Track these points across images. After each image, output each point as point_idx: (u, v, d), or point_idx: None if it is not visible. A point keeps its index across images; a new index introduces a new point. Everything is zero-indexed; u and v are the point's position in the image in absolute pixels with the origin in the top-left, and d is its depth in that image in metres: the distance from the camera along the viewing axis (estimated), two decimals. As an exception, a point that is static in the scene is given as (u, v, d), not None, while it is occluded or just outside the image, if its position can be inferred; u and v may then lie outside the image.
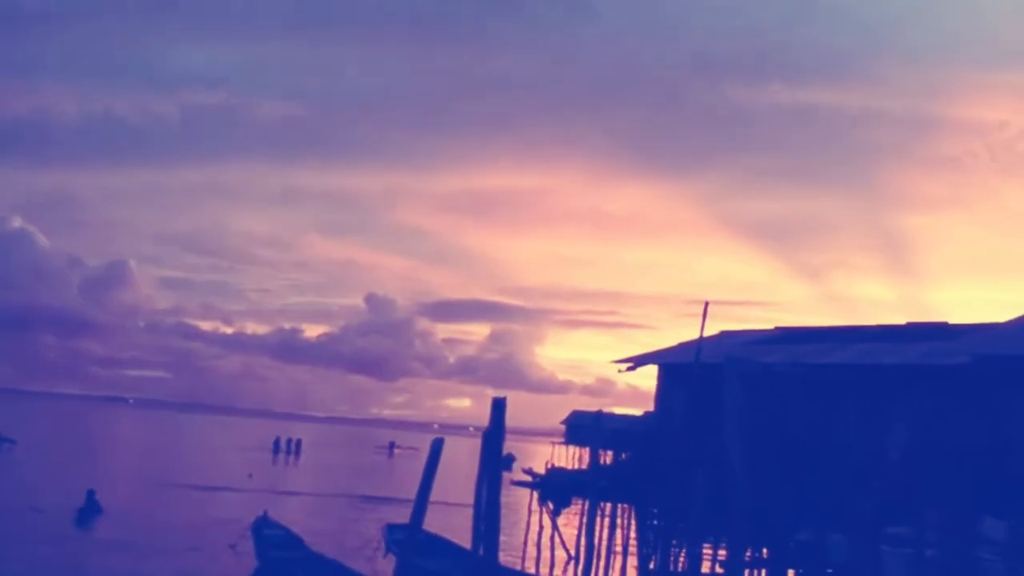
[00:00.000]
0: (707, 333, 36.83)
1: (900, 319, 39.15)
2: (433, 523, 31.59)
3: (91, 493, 43.74)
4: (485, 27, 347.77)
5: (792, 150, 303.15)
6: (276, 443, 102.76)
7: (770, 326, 45.16)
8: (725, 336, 43.13)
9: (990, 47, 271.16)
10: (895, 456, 29.54)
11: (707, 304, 35.19)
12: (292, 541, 35.02)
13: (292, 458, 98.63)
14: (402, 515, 31.67)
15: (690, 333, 39.14)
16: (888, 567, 23.03)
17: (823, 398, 32.46)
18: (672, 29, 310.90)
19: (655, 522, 35.05)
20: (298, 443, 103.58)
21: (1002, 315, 32.28)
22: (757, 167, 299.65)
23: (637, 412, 49.55)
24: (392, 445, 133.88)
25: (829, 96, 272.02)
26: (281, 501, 51.59)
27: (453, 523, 41.48)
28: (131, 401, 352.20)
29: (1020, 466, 25.15)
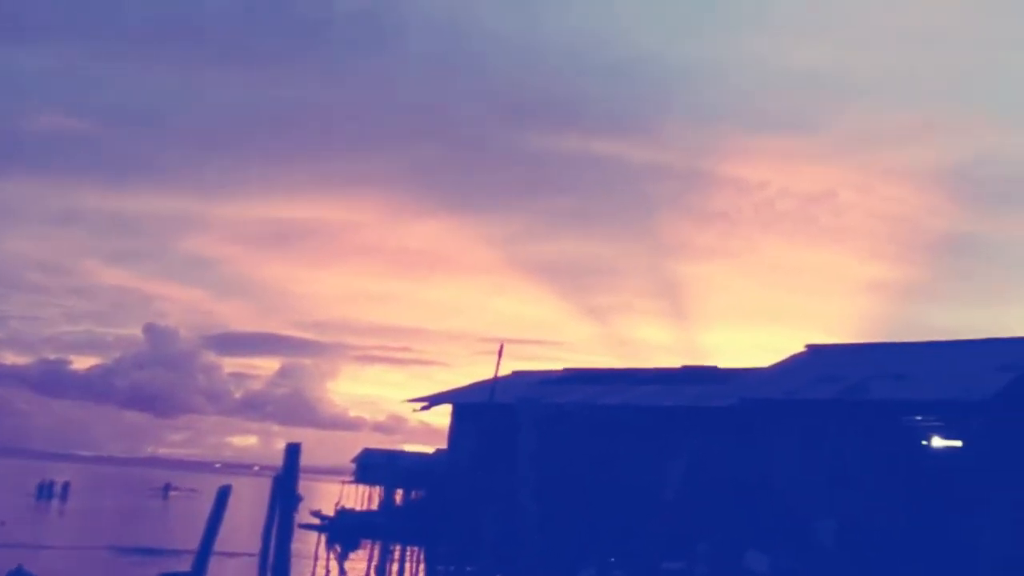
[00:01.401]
0: (500, 372, 37.71)
1: (675, 361, 42.00)
2: (212, 574, 29.96)
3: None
4: (287, 53, 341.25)
5: (582, 197, 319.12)
6: (40, 487, 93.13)
7: (559, 366, 46.98)
8: (517, 376, 44.29)
9: (754, 113, 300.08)
10: (671, 493, 31.44)
11: (502, 345, 36.11)
12: None
13: (59, 503, 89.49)
14: (179, 567, 29.68)
15: (484, 371, 39.91)
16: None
17: (608, 437, 34.08)
18: (477, 73, 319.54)
19: (445, 563, 35.12)
20: (65, 486, 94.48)
21: (764, 358, 35.38)
22: (550, 211, 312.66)
23: (429, 450, 49.65)
24: (167, 487, 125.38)
25: (618, 148, 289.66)
26: (40, 554, 46.81)
27: (234, 574, 39.49)
28: None
29: (781, 501, 27.47)
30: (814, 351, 35.19)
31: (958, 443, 31.12)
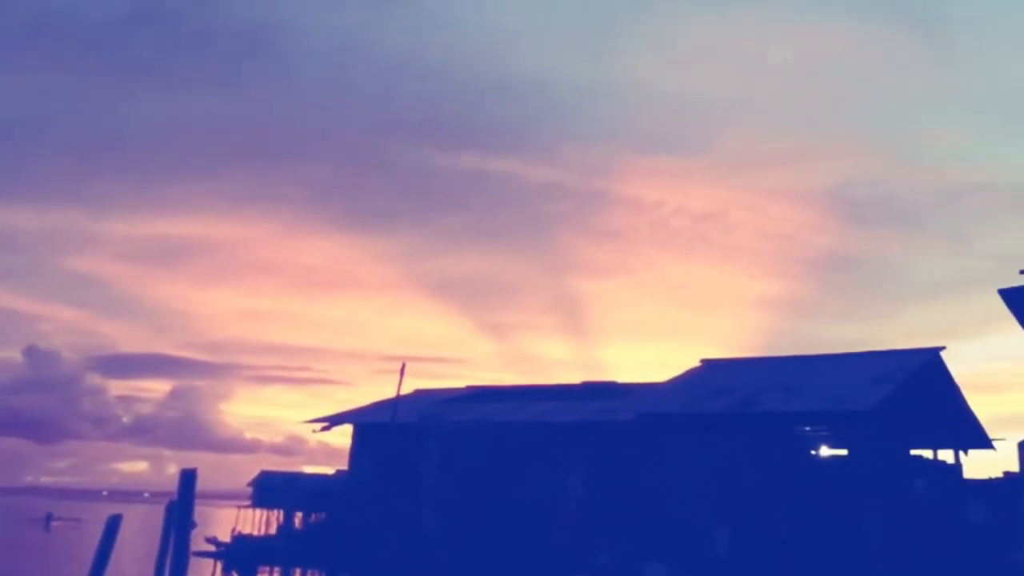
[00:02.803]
0: (402, 390, 37.51)
1: (576, 377, 42.81)
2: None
3: None
4: (176, 65, 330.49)
5: (481, 214, 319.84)
6: None
7: (462, 383, 47.03)
8: (419, 394, 44.13)
9: (649, 134, 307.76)
10: (572, 507, 31.85)
11: (404, 364, 35.92)
12: None
13: None
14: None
15: (385, 389, 39.73)
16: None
17: (511, 454, 34.29)
18: (372, 90, 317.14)
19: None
20: None
21: (661, 373, 36.33)
22: (447, 228, 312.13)
23: (329, 471, 48.81)
24: (50, 517, 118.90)
25: (514, 166, 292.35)
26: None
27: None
28: None
29: (678, 512, 28.15)
30: (708, 365, 36.31)
31: (843, 452, 32.62)
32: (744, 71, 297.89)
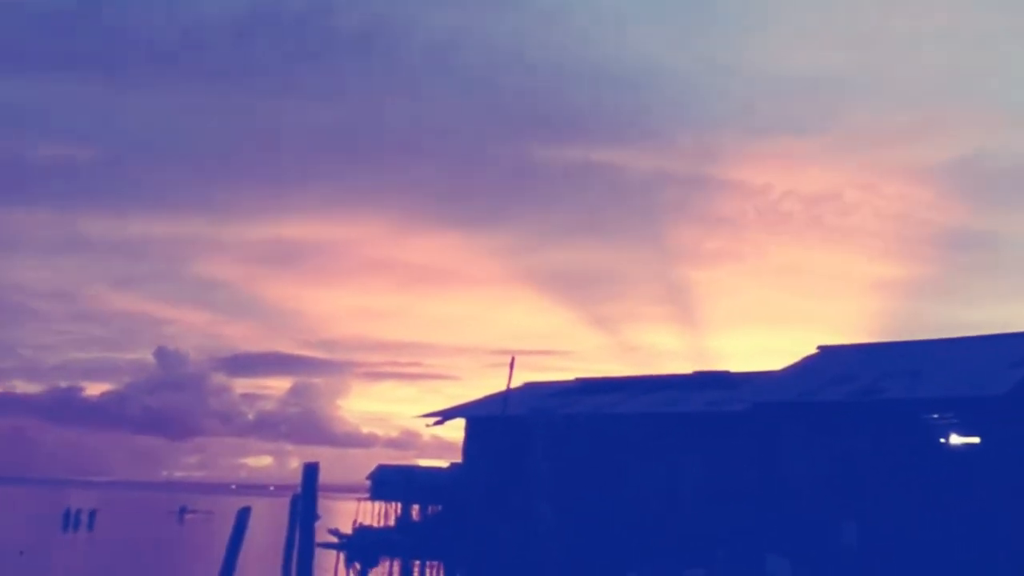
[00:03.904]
0: (512, 384, 37.72)
1: (687, 367, 42.00)
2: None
3: None
4: (288, 75, 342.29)
5: (586, 206, 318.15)
6: (66, 515, 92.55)
7: (570, 376, 46.89)
8: (529, 387, 44.27)
9: (756, 117, 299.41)
10: (687, 499, 31.38)
11: (513, 358, 36.07)
12: None
13: (85, 531, 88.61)
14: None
15: (495, 383, 39.99)
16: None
17: (622, 446, 34.04)
18: (478, 87, 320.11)
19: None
20: (92, 514, 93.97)
21: (773, 361, 35.36)
22: (554, 222, 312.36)
23: (443, 464, 49.59)
24: (183, 510, 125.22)
25: (620, 157, 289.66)
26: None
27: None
28: None
29: (798, 504, 27.37)
30: (826, 352, 35.10)
31: (976, 439, 31.00)
32: (856, 44, 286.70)
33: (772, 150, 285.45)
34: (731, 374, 37.68)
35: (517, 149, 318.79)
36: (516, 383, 40.82)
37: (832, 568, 24.45)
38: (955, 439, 34.65)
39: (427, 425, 42.97)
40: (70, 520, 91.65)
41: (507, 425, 35.88)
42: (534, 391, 42.83)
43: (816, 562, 24.53)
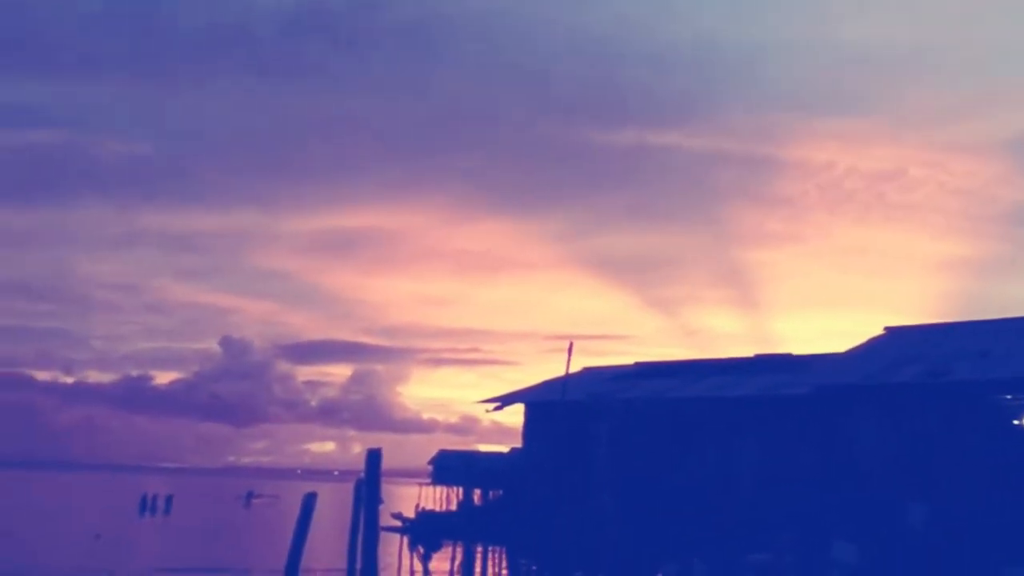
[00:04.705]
0: (570, 369, 37.71)
1: (748, 350, 41.60)
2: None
3: None
4: (341, 68, 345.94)
5: (642, 189, 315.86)
6: (143, 500, 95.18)
7: (629, 360, 46.71)
8: (588, 372, 44.24)
9: (817, 95, 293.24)
10: (749, 483, 31.09)
11: (571, 343, 36.02)
12: None
13: (161, 516, 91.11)
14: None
15: (553, 368, 40.02)
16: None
17: (683, 430, 33.84)
18: (528, 72, 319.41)
19: (527, 562, 35.31)
20: (168, 499, 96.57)
21: (836, 342, 34.82)
22: (610, 205, 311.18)
23: (504, 449, 49.91)
24: (250, 494, 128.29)
25: (674, 138, 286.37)
26: (132, 564, 48.08)
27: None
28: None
29: (865, 488, 26.93)
30: (893, 333, 34.38)
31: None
32: (917, 20, 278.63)
33: (832, 128, 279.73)
34: (794, 357, 37.15)
35: (571, 134, 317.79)
36: (574, 368, 40.84)
37: (900, 552, 24.05)
38: (1028, 421, 33.62)
39: (487, 411, 43.28)
40: (147, 505, 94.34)
41: (566, 410, 35.92)
42: (593, 376, 42.79)
43: (883, 546, 24.14)
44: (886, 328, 35.17)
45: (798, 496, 27.70)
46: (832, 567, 23.15)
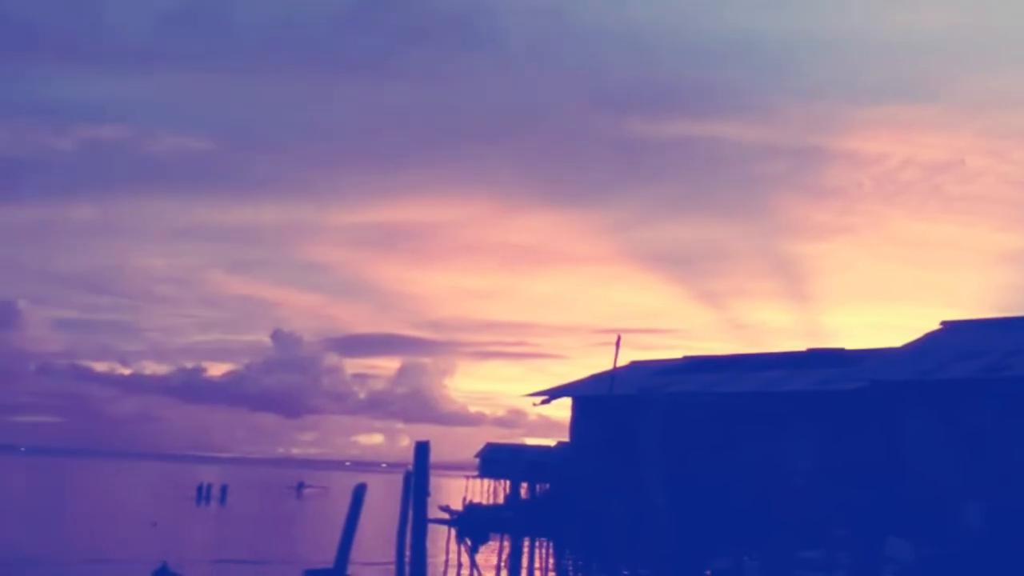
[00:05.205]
0: (618, 363, 37.56)
1: (798, 344, 40.83)
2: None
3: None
4: (387, 59, 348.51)
5: (690, 181, 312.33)
6: (199, 489, 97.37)
7: (677, 354, 46.42)
8: (636, 366, 44.04)
9: (870, 83, 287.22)
10: (801, 479, 30.67)
11: (619, 337, 35.81)
12: None
13: (217, 505, 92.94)
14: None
15: (600, 361, 40.01)
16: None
17: (733, 425, 33.51)
18: (574, 63, 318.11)
19: (575, 556, 35.28)
20: (223, 488, 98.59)
21: (890, 337, 34.20)
22: (658, 198, 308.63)
23: (550, 443, 50.07)
24: (301, 485, 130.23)
25: (725, 129, 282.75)
26: (187, 552, 49.00)
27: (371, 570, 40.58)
28: (23, 449, 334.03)
29: (921, 485, 26.40)
30: (950, 328, 33.61)
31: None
32: (972, 3, 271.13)
33: (885, 117, 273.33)
34: (847, 351, 36.56)
35: (618, 125, 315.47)
36: (622, 362, 40.66)
37: (956, 550, 23.51)
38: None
39: (534, 404, 43.41)
40: (202, 494, 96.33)
41: (614, 404, 35.80)
42: (640, 370, 42.59)
43: (939, 544, 23.63)
44: (942, 322, 34.41)
45: (852, 492, 27.25)
46: (886, 564, 22.73)
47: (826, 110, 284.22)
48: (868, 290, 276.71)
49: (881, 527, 24.39)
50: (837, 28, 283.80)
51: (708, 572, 27.45)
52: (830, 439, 30.44)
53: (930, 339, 32.82)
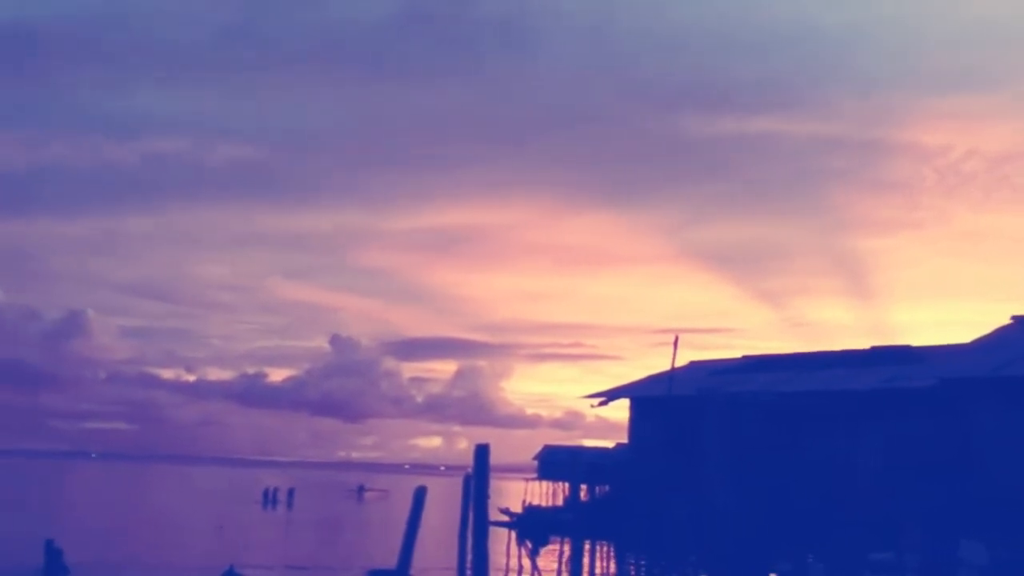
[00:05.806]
0: (677, 363, 37.18)
1: (861, 342, 39.97)
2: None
3: (55, 552, 39.99)
4: (443, 64, 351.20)
5: (746, 178, 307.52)
6: (265, 493, 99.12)
7: (736, 353, 45.80)
8: (694, 366, 43.53)
9: (931, 74, 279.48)
10: (868, 480, 29.96)
11: (677, 337, 35.51)
12: None
13: (284, 510, 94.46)
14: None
15: (657, 362, 39.62)
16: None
17: (795, 425, 32.88)
18: (624, 63, 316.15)
19: (636, 558, 34.97)
20: (290, 492, 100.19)
21: (958, 333, 33.15)
22: (713, 196, 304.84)
23: (609, 444, 49.63)
24: (362, 488, 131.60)
25: (780, 124, 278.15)
26: (254, 555, 49.80)
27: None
28: (94, 455, 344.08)
29: (989, 485, 25.58)
30: (1021, 323, 32.54)
31: None
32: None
33: (948, 108, 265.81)
34: (913, 348, 35.67)
35: (671, 124, 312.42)
36: (680, 362, 40.23)
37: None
38: None
39: (592, 406, 43.16)
40: (268, 498, 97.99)
41: (673, 405, 35.43)
42: (699, 370, 42.09)
43: (1015, 547, 22.83)
44: (1013, 317, 33.32)
45: (922, 493, 26.53)
46: (959, 568, 22.04)
47: (884, 102, 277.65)
48: (933, 286, 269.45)
49: (953, 529, 23.68)
50: (892, 17, 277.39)
51: (772, 574, 26.97)
52: (898, 438, 29.72)
53: (1000, 334, 31.81)
